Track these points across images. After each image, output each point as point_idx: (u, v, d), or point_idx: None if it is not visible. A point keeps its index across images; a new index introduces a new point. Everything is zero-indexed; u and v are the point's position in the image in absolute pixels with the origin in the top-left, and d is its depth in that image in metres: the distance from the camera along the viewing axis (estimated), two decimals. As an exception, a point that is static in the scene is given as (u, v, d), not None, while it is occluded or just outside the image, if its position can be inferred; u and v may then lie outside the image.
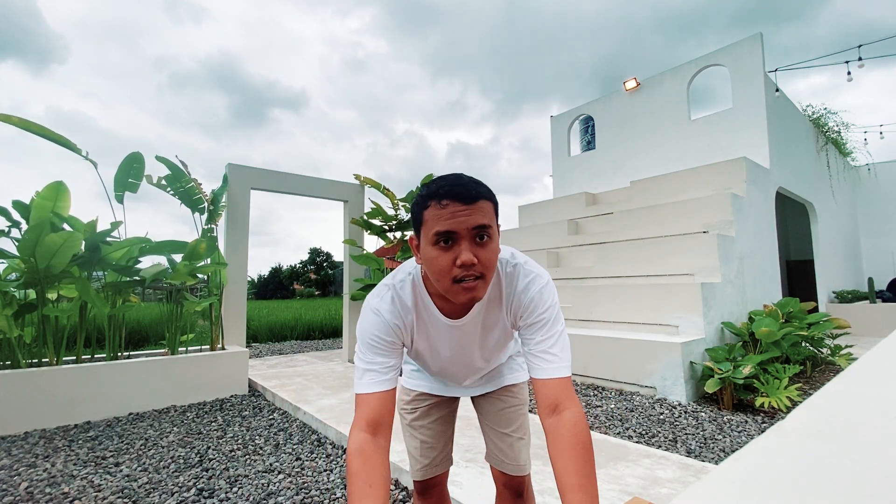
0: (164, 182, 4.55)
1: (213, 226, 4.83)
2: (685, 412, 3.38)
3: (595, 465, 0.84)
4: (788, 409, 3.30)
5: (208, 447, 2.91)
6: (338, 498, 2.17)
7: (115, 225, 4.03)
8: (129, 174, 4.36)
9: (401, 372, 1.34)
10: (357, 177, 6.28)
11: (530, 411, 1.37)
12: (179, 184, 4.60)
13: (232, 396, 4.25)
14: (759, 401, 3.29)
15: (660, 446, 2.73)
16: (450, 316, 1.03)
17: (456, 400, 1.35)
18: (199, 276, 4.61)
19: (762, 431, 2.83)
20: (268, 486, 2.32)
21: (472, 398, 1.33)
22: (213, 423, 3.43)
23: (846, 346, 4.80)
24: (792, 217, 10.27)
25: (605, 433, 2.94)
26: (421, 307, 1.02)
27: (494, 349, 1.14)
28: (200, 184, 4.75)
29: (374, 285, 5.75)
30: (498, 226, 0.94)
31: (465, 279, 0.86)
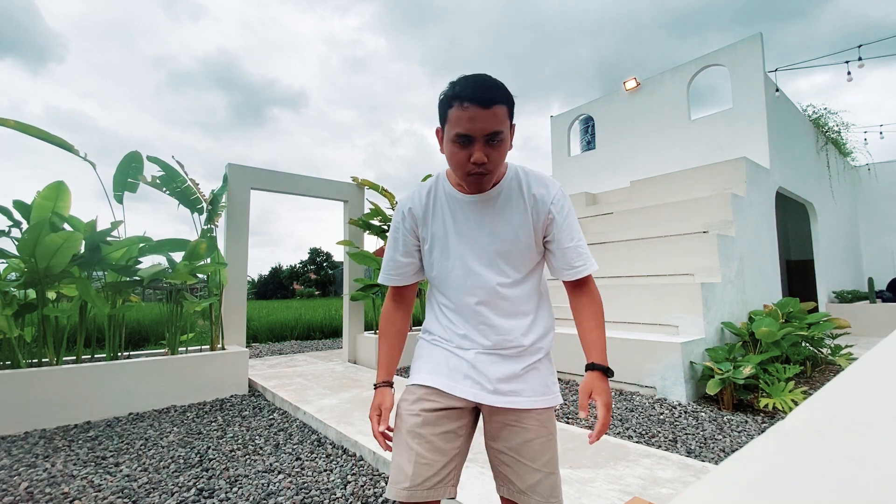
0: (157, 181, 4.48)
1: (212, 226, 4.83)
2: (685, 412, 3.38)
3: (604, 320, 1.14)
4: (789, 410, 3.30)
5: (208, 447, 2.91)
6: (337, 498, 2.17)
7: (116, 224, 4.02)
8: (128, 174, 4.35)
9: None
10: (354, 179, 6.28)
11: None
12: (175, 184, 4.55)
13: (232, 396, 4.25)
14: (762, 402, 3.29)
15: (660, 446, 2.73)
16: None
17: (472, 416, 1.15)
18: (199, 275, 4.60)
19: (762, 431, 2.83)
20: (268, 486, 2.32)
21: (488, 423, 1.13)
22: (213, 423, 3.43)
23: (846, 346, 4.80)
24: (792, 217, 10.27)
25: (605, 433, 2.94)
26: (441, 192, 1.14)
27: (515, 248, 1.10)
28: (198, 184, 4.74)
29: (374, 285, 5.77)
30: (512, 126, 1.04)
31: (475, 173, 1.02)
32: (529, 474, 1.06)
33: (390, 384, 1.19)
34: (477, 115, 0.95)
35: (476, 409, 1.16)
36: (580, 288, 1.15)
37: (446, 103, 1.00)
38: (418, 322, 7.52)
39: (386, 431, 1.13)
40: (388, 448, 1.12)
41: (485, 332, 1.11)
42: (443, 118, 1.02)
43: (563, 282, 1.17)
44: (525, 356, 1.12)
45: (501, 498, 1.12)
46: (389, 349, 1.22)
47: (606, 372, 1.06)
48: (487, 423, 1.14)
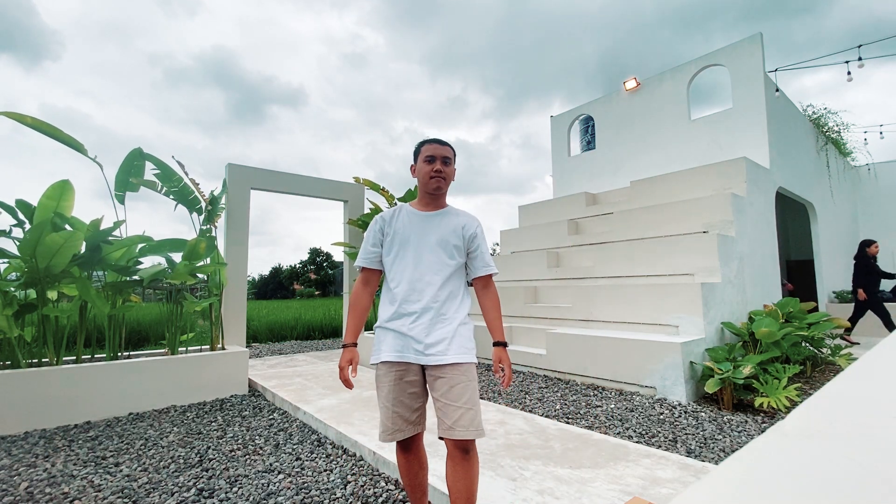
0: (152, 179, 4.41)
1: (211, 226, 4.81)
2: (685, 412, 3.38)
3: (501, 311, 1.77)
4: (788, 409, 3.30)
5: (208, 447, 2.91)
6: (337, 498, 2.17)
7: (118, 224, 4.02)
8: (131, 173, 4.33)
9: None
10: (357, 179, 6.28)
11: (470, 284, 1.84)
12: (171, 183, 4.51)
13: (232, 396, 4.25)
14: (758, 401, 3.29)
15: (660, 446, 2.73)
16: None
17: (420, 375, 1.64)
18: (199, 275, 4.60)
19: (762, 431, 2.83)
20: (268, 486, 2.32)
21: (429, 382, 1.63)
22: (213, 423, 3.43)
23: (846, 346, 4.80)
24: (792, 217, 10.26)
25: (605, 433, 2.94)
26: (403, 211, 1.77)
27: (446, 251, 1.69)
28: (198, 184, 4.71)
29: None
30: (454, 168, 1.79)
31: (435, 177, 1.71)
32: (454, 412, 1.51)
33: (356, 344, 1.71)
34: (438, 147, 1.73)
35: (423, 373, 1.64)
36: (486, 288, 1.78)
37: (420, 145, 1.77)
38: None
39: (350, 378, 1.65)
40: (351, 386, 1.64)
41: (421, 293, 1.63)
42: (416, 154, 1.77)
43: (474, 283, 1.79)
44: (447, 322, 1.63)
45: (443, 439, 1.54)
46: (357, 318, 1.74)
47: (505, 345, 1.72)
48: (429, 380, 1.63)
